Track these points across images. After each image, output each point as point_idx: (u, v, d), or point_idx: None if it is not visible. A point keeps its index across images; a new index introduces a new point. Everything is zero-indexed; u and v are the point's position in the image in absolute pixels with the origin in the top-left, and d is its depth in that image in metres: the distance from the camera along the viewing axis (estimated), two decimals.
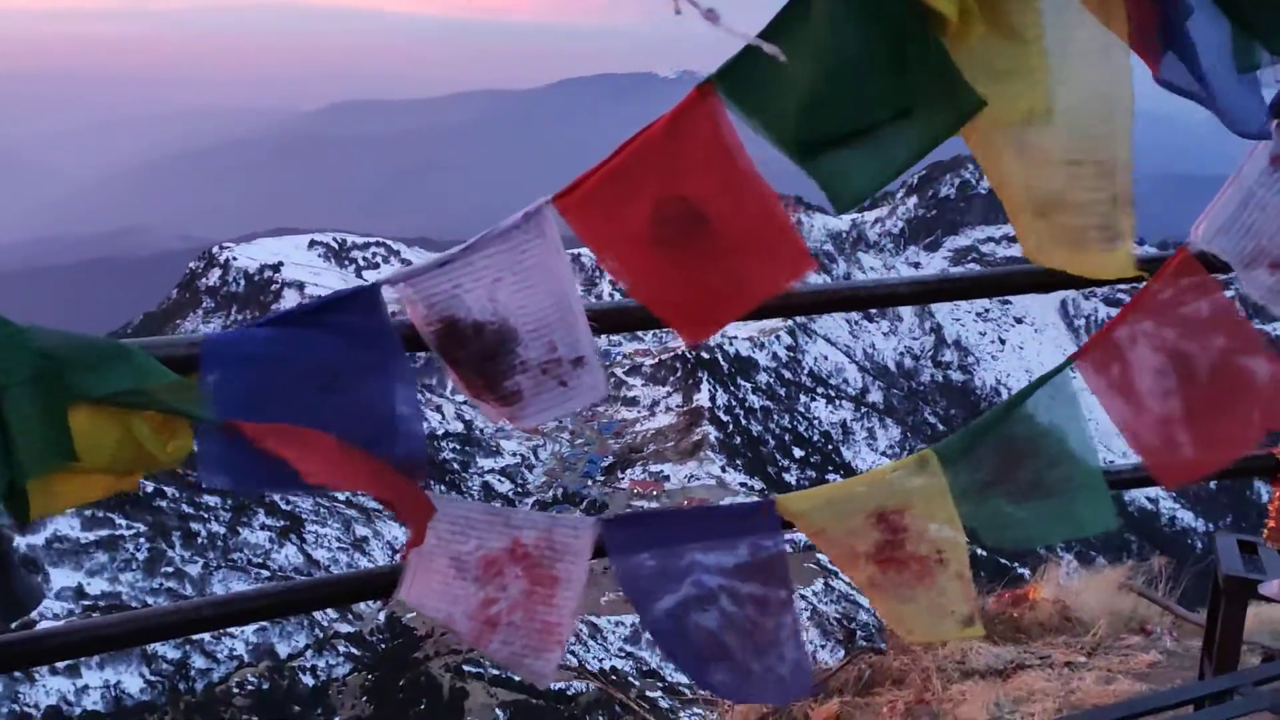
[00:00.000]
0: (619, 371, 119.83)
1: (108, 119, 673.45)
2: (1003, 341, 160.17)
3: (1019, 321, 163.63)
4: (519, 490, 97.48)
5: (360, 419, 1.94)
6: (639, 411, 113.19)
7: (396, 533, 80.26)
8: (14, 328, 1.63)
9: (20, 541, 60.85)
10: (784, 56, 1.63)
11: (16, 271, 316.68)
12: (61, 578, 61.10)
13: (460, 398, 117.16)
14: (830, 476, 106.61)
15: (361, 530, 78.23)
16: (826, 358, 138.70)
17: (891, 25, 1.71)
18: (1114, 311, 2.22)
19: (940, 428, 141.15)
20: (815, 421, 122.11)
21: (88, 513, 64.20)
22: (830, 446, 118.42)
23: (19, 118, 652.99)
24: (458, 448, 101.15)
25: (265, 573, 69.41)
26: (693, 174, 1.84)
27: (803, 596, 65.14)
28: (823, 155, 1.82)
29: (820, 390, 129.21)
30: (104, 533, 63.94)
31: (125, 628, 2.21)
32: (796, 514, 2.17)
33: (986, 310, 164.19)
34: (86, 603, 60.23)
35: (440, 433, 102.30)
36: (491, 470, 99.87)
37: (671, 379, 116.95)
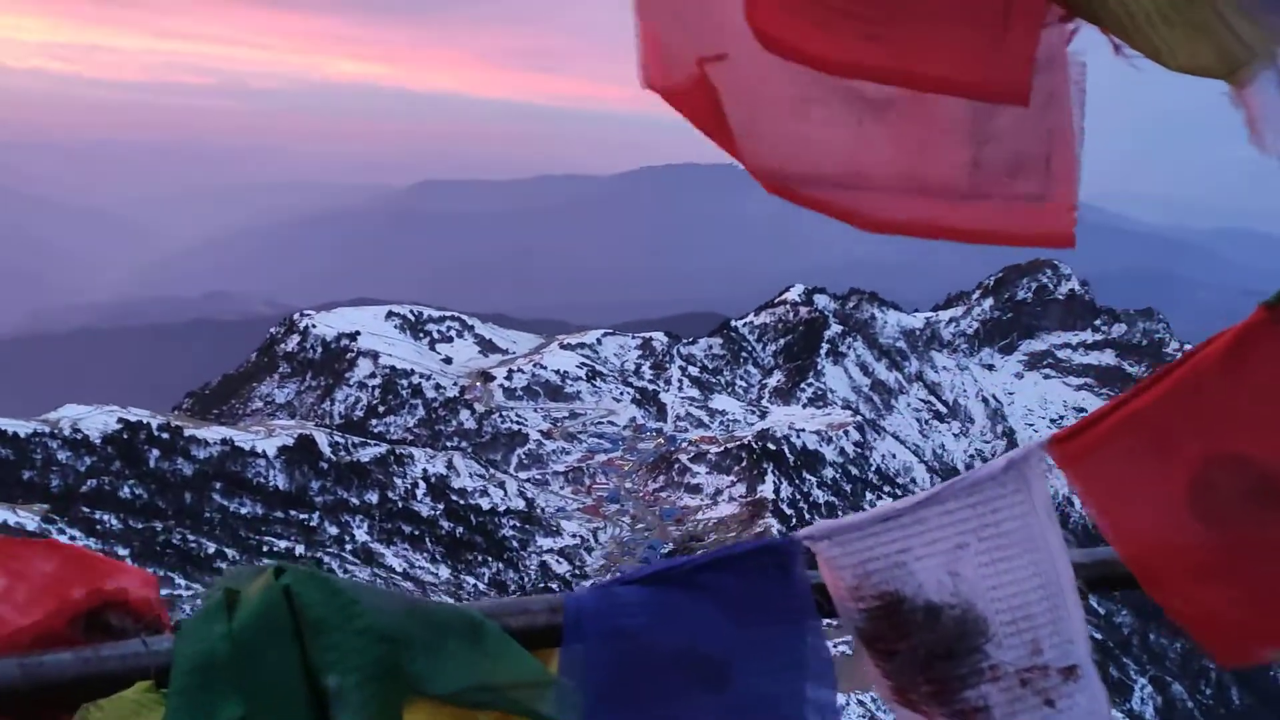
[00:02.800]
0: (684, 458, 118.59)
1: (205, 187, 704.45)
2: None
3: None
4: (576, 573, 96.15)
5: None
6: (702, 499, 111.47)
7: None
8: (348, 598, 1.24)
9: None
10: None
11: (113, 329, 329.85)
12: None
13: (524, 474, 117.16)
14: None
15: None
16: (895, 456, 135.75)
17: None
18: None
19: None
20: None
21: (150, 570, 64.67)
22: None
23: (123, 182, 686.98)
24: (518, 525, 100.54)
25: None
26: (1264, 426, 1.31)
27: (860, 703, 62.38)
28: None
29: (887, 489, 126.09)
30: (164, 592, 64.19)
31: None
32: None
33: (1062, 417, 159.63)
34: None
35: (501, 509, 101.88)
36: (550, 550, 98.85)
37: (736, 468, 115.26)
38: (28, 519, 64.73)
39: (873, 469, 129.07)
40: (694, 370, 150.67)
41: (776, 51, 1.02)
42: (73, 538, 65.05)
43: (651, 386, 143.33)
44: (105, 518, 71.78)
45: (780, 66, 1.04)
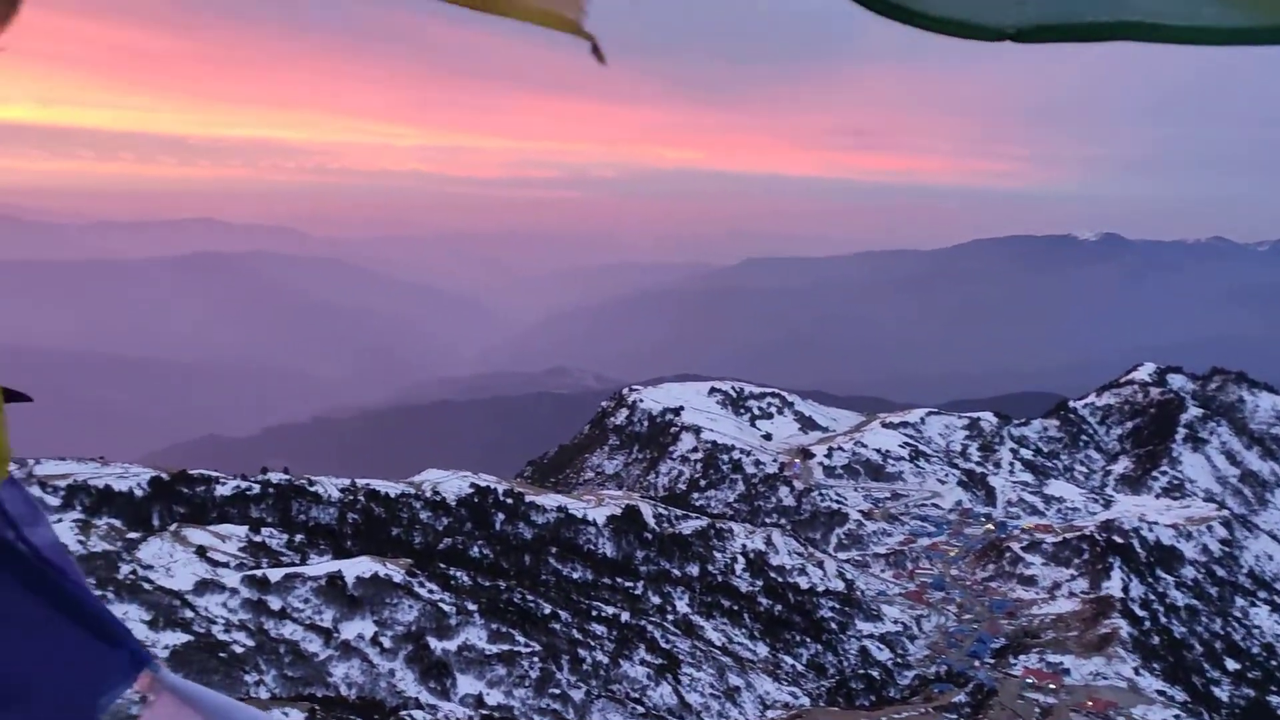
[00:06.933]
0: (1015, 546, 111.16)
1: (550, 270, 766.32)
2: None
3: None
4: (898, 661, 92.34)
5: None
6: (1037, 592, 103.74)
7: (769, 687, 79.01)
8: None
9: (437, 646, 67.79)
10: None
11: (471, 400, 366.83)
12: (466, 684, 66.90)
13: (843, 554, 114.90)
14: (1273, 699, 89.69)
15: (735, 680, 77.99)
16: (1272, 557, 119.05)
17: None
18: None
19: None
20: (1255, 631, 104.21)
21: (494, 626, 70.24)
22: (1275, 663, 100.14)
23: (482, 270, 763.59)
24: (836, 607, 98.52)
25: (640, 709, 71.08)
26: None
27: None
28: None
29: (1262, 594, 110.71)
30: (505, 647, 69.47)
31: None
32: None
33: None
34: (484, 712, 65.26)
35: (820, 589, 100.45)
36: (870, 635, 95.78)
37: (1077, 561, 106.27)
38: (394, 571, 72.60)
39: (1244, 570, 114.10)
40: (1026, 453, 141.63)
41: None
42: (430, 591, 72.10)
43: (979, 469, 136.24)
44: (458, 574, 78.88)
45: None
